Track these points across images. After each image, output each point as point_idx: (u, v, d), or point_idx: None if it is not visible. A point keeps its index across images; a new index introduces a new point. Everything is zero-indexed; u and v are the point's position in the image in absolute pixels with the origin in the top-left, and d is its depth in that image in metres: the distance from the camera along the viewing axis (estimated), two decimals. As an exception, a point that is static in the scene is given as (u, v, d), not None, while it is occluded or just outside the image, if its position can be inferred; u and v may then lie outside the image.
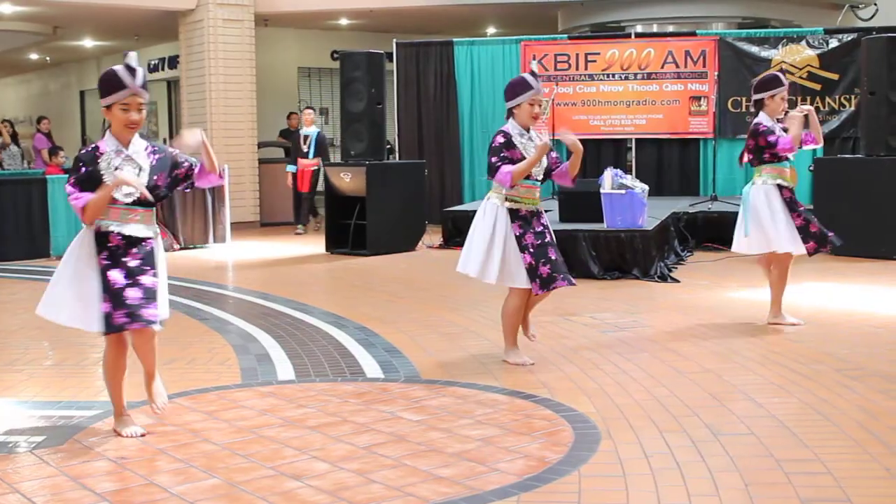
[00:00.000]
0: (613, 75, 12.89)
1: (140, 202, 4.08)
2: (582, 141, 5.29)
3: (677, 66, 12.59)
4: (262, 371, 5.37)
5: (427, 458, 3.82)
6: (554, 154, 5.37)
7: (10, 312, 7.50)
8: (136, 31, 17.27)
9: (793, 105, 11.55)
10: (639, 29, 14.48)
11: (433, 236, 11.29)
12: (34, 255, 10.43)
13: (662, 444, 3.98)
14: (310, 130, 12.92)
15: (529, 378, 5.08)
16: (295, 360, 5.60)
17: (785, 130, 6.10)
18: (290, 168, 13.05)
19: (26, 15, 15.04)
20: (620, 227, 8.59)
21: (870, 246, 9.22)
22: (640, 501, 3.39)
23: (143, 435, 4.15)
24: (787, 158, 6.16)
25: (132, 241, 4.07)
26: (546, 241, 5.24)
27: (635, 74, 12.79)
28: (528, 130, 5.26)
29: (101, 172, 4.01)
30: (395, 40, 14.07)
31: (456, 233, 10.58)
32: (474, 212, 5.46)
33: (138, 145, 4.13)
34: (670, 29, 14.21)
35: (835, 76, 11.99)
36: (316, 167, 12.73)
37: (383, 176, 10.74)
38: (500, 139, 5.19)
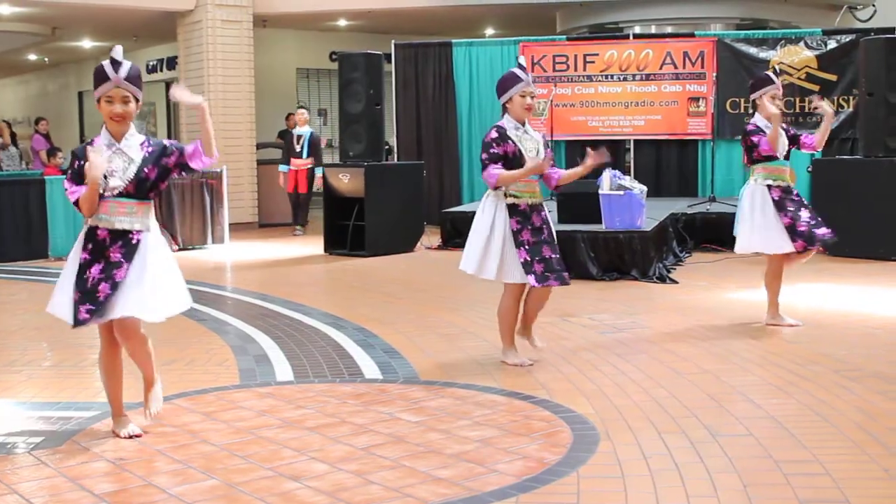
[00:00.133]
0: (612, 76, 12.87)
1: (128, 194, 4.04)
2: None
3: (676, 68, 12.59)
4: (260, 372, 5.37)
5: (426, 459, 3.82)
6: (550, 152, 5.41)
7: (8, 313, 7.49)
8: (135, 32, 17.24)
9: (791, 105, 11.66)
10: (637, 30, 14.47)
11: (432, 237, 11.28)
12: (32, 255, 10.42)
13: (661, 445, 3.98)
14: (303, 130, 12.91)
15: (528, 379, 5.08)
16: (293, 361, 5.60)
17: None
18: (283, 168, 13.05)
19: (25, 16, 15.02)
20: (619, 228, 8.59)
21: (868, 247, 9.23)
22: (639, 502, 3.39)
23: (141, 435, 4.14)
24: (777, 158, 6.15)
25: (117, 235, 4.03)
26: (543, 238, 5.24)
27: (634, 75, 12.78)
28: (523, 124, 5.27)
29: None
30: (393, 41, 14.05)
31: (454, 234, 10.58)
32: (473, 212, 5.48)
33: (133, 140, 4.11)
34: (669, 30, 14.20)
35: (833, 77, 11.98)
36: (310, 167, 12.75)
37: (382, 177, 10.74)
38: (494, 134, 5.21)
